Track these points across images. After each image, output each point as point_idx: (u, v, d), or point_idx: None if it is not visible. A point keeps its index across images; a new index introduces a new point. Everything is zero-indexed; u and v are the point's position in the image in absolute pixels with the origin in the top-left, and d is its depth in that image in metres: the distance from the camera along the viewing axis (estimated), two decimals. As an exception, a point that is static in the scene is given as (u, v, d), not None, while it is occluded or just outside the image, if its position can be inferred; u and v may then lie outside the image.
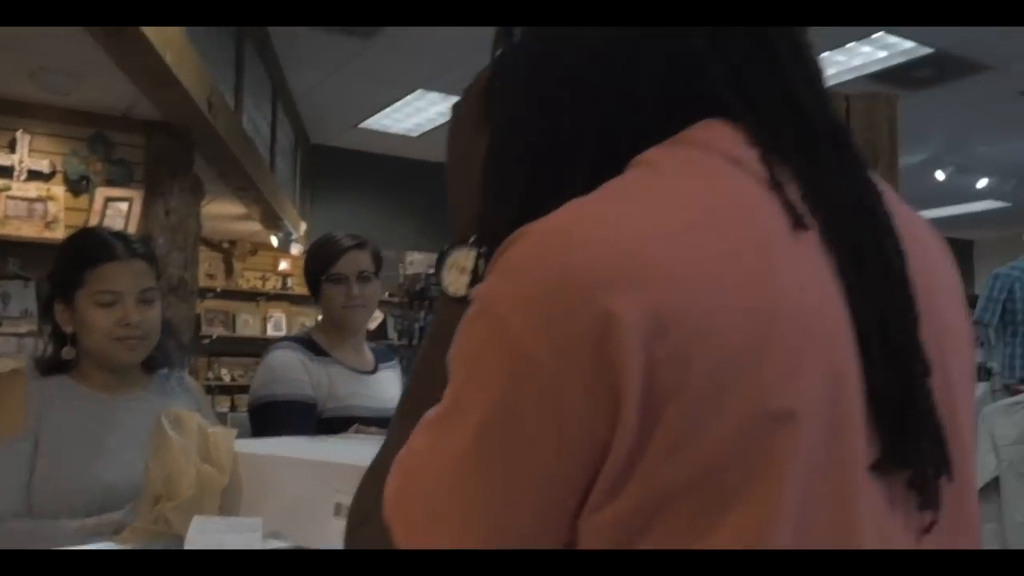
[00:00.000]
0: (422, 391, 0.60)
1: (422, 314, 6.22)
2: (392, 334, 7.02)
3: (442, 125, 6.48)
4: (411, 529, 0.52)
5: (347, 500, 1.06)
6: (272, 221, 5.52)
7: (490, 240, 0.58)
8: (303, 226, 6.42)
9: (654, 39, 0.56)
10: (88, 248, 1.53)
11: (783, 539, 0.47)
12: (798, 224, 0.51)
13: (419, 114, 6.30)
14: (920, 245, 0.58)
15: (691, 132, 0.55)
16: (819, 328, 0.49)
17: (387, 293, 7.20)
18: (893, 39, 4.83)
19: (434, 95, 5.88)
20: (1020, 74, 5.33)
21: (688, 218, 0.50)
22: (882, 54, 5.03)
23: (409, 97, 5.90)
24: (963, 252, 11.04)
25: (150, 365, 1.60)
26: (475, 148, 0.62)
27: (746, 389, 0.47)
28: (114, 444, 1.45)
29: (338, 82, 5.61)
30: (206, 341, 6.72)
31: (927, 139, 6.71)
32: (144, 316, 1.51)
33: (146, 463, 1.23)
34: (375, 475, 0.59)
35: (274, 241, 6.10)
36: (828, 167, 0.55)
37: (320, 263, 2.04)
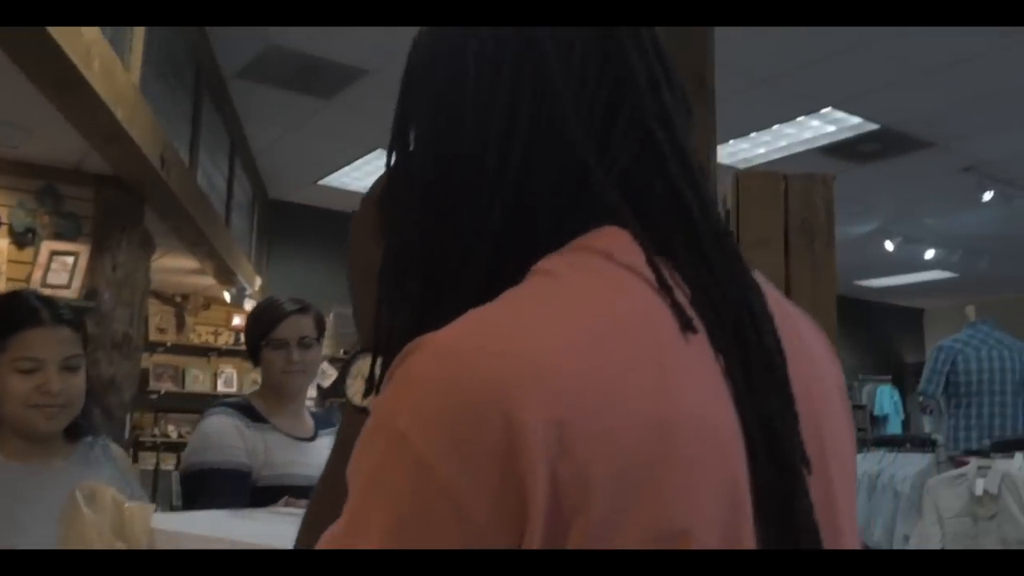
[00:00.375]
0: (325, 504, 0.59)
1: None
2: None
3: (402, 184, 6.51)
4: None
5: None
6: (226, 276, 5.47)
7: (385, 350, 0.57)
8: (258, 281, 6.37)
9: (544, 148, 0.56)
10: (12, 312, 1.49)
11: None
12: (687, 327, 0.51)
13: (379, 172, 6.30)
14: (801, 342, 0.59)
15: (586, 239, 0.55)
16: (713, 437, 0.50)
17: (342, 351, 7.13)
18: (840, 114, 4.98)
19: (394, 155, 5.92)
20: (960, 151, 5.52)
21: (589, 330, 0.50)
22: (830, 128, 5.18)
23: (369, 156, 5.93)
24: (914, 320, 11.26)
25: (73, 433, 1.55)
26: (373, 256, 0.62)
27: (645, 509, 0.47)
28: (26, 518, 1.40)
29: (298, 139, 5.63)
30: (154, 396, 6.58)
31: (876, 210, 6.89)
32: (66, 384, 1.47)
33: (58, 538, 1.19)
34: None
35: (227, 296, 6.04)
36: (713, 269, 0.55)
37: (261, 327, 2.02)
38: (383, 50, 4.24)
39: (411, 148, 0.61)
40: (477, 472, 0.46)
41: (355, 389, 0.65)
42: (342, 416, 0.68)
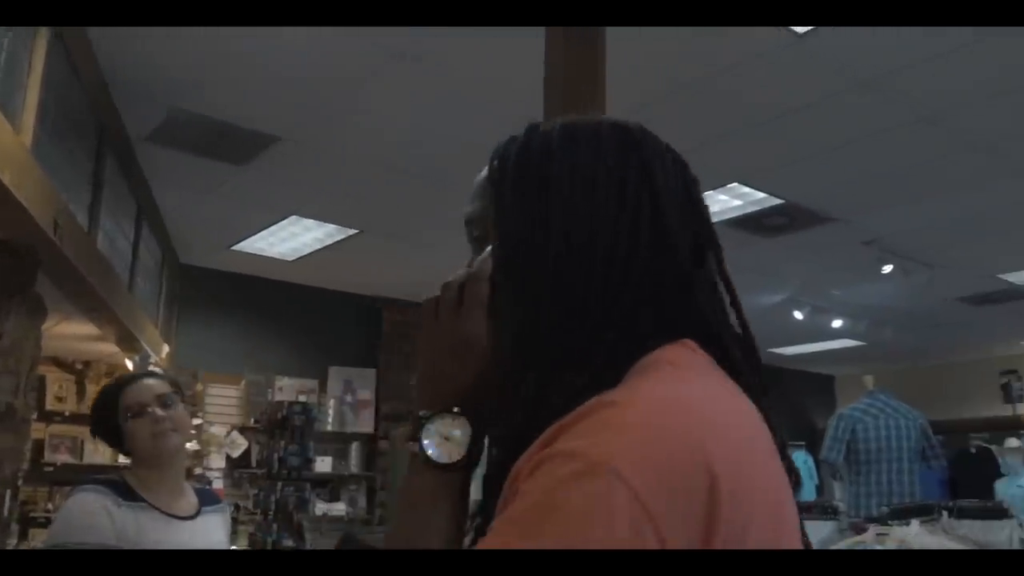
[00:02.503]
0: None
1: (282, 443, 5.99)
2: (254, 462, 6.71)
3: (319, 251, 6.45)
4: None
5: None
6: (129, 342, 5.28)
7: (503, 417, 0.68)
8: (166, 348, 6.17)
9: (652, 270, 0.69)
10: None
11: None
12: (768, 425, 0.69)
13: (294, 239, 6.26)
14: None
15: (682, 344, 0.68)
16: (789, 501, 0.67)
17: (252, 419, 6.93)
18: (746, 189, 5.15)
19: (309, 221, 5.86)
20: (860, 226, 5.75)
21: (727, 408, 0.65)
22: (737, 203, 5.35)
23: (284, 222, 5.87)
24: (825, 386, 11.56)
25: None
26: (472, 331, 0.72)
27: (766, 526, 0.61)
28: None
29: (210, 204, 5.54)
30: (49, 469, 6.24)
31: (785, 281, 7.11)
32: None
33: None
34: None
35: (130, 364, 5.82)
36: (756, 393, 0.71)
37: (110, 400, 1.94)
38: (294, 117, 4.24)
39: (535, 240, 0.69)
40: (682, 511, 0.56)
41: (434, 445, 0.71)
42: (411, 469, 0.72)
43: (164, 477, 1.96)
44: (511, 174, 0.72)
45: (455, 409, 0.72)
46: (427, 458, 0.71)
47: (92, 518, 1.79)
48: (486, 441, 0.73)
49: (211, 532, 1.99)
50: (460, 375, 0.72)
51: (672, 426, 0.59)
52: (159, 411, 1.92)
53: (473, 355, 0.72)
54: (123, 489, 1.89)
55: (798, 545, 0.66)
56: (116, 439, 1.97)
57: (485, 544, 0.60)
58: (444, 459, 0.71)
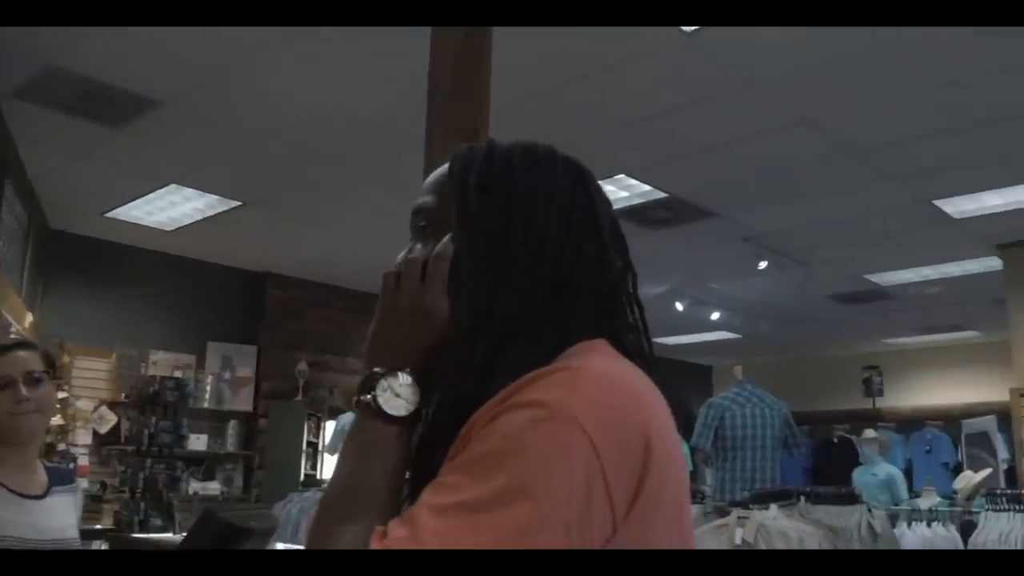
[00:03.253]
0: (356, 502, 0.74)
1: (153, 419, 5.78)
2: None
3: (199, 222, 6.23)
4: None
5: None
6: (-13, 310, 4.98)
7: (455, 382, 0.78)
8: (29, 317, 5.84)
9: (590, 278, 0.83)
10: None
11: None
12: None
13: (174, 208, 6.03)
14: None
15: (602, 340, 0.81)
16: (686, 473, 0.79)
17: (123, 394, 6.66)
18: (632, 181, 5.27)
19: (189, 191, 5.66)
20: (740, 222, 5.98)
21: (648, 389, 0.76)
22: (624, 194, 5.46)
23: (163, 191, 5.65)
24: (703, 376, 11.97)
25: None
26: (432, 302, 0.81)
27: (675, 495, 0.73)
28: None
29: (85, 168, 5.27)
30: None
31: (668, 273, 7.31)
32: None
33: None
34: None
35: (-10, 332, 5.49)
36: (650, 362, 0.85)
37: None
38: (177, 82, 4.07)
39: (497, 236, 0.81)
40: (624, 465, 0.67)
41: (385, 400, 0.78)
42: (362, 426, 0.79)
43: (17, 455, 1.86)
44: (475, 179, 0.84)
45: (407, 370, 0.79)
46: (379, 409, 0.78)
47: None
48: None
49: (60, 512, 1.91)
50: (415, 341, 0.81)
51: (617, 391, 0.71)
52: (23, 389, 1.82)
53: (430, 324, 0.80)
54: (-32, 464, 1.78)
55: (688, 507, 0.78)
56: None
57: (436, 487, 0.68)
58: (394, 412, 0.78)
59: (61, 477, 2.01)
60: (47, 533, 1.81)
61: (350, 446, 0.79)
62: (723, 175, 5.16)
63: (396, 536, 0.66)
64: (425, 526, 0.64)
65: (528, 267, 0.80)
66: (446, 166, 0.88)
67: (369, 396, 0.78)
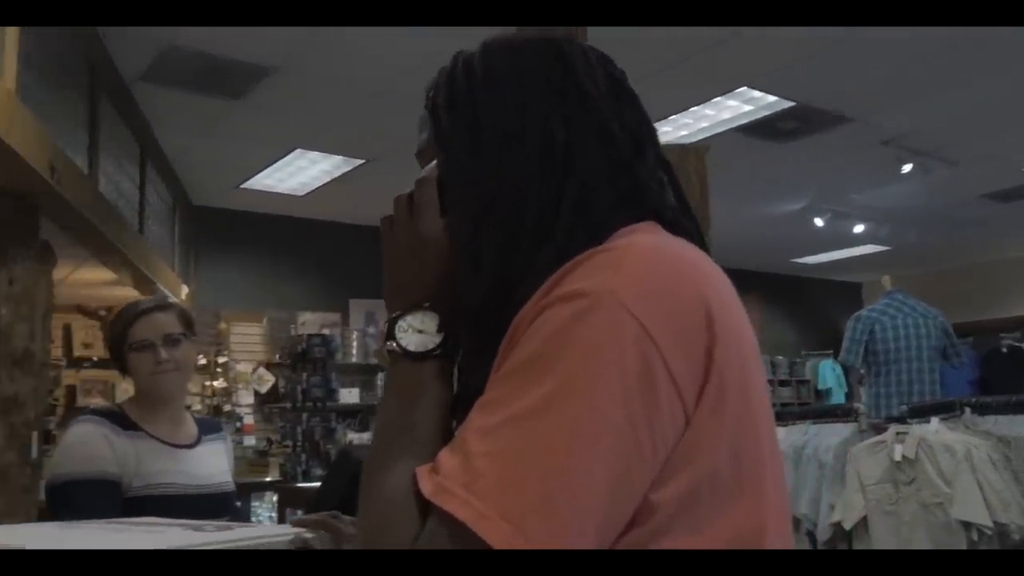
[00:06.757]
0: (399, 445, 0.69)
1: (304, 376, 6.06)
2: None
3: (328, 184, 6.42)
4: (522, 518, 0.56)
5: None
6: (146, 286, 5.32)
7: (469, 299, 0.72)
8: (185, 289, 6.22)
9: (593, 157, 0.73)
10: None
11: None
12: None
13: (302, 173, 6.22)
14: None
15: (646, 222, 0.73)
16: (760, 363, 0.71)
17: (276, 356, 7.02)
18: (756, 93, 5.01)
19: (314, 154, 5.82)
20: (878, 125, 5.59)
21: (707, 263, 0.69)
22: (748, 107, 5.21)
23: (289, 156, 5.83)
24: (852, 294, 11.44)
25: None
26: (427, 229, 0.76)
27: (751, 386, 0.66)
28: None
29: (213, 143, 5.51)
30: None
31: (803, 188, 6.97)
32: None
33: None
34: (390, 513, 0.64)
35: (151, 307, 5.88)
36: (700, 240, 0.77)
37: (119, 330, 1.94)
38: (288, 47, 4.16)
39: (473, 140, 0.75)
40: (686, 347, 0.61)
41: (409, 340, 0.74)
42: (396, 372, 0.74)
43: (164, 410, 1.97)
44: (442, 97, 0.79)
45: (425, 304, 0.75)
46: (404, 350, 0.74)
47: (92, 447, 1.81)
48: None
49: (212, 460, 2.01)
50: (422, 273, 0.76)
51: (668, 265, 0.64)
52: (162, 351, 1.92)
53: (432, 251, 0.75)
54: (122, 419, 1.90)
55: (766, 403, 0.69)
56: (122, 366, 1.98)
57: (482, 406, 0.62)
58: (420, 348, 0.73)
59: (210, 427, 2.11)
60: (198, 479, 1.91)
61: (388, 394, 0.74)
62: (853, 75, 4.82)
63: (447, 467, 0.60)
64: (476, 451, 0.59)
65: (515, 165, 0.73)
66: None
67: (392, 341, 0.74)
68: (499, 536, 0.56)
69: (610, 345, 0.59)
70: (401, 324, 0.74)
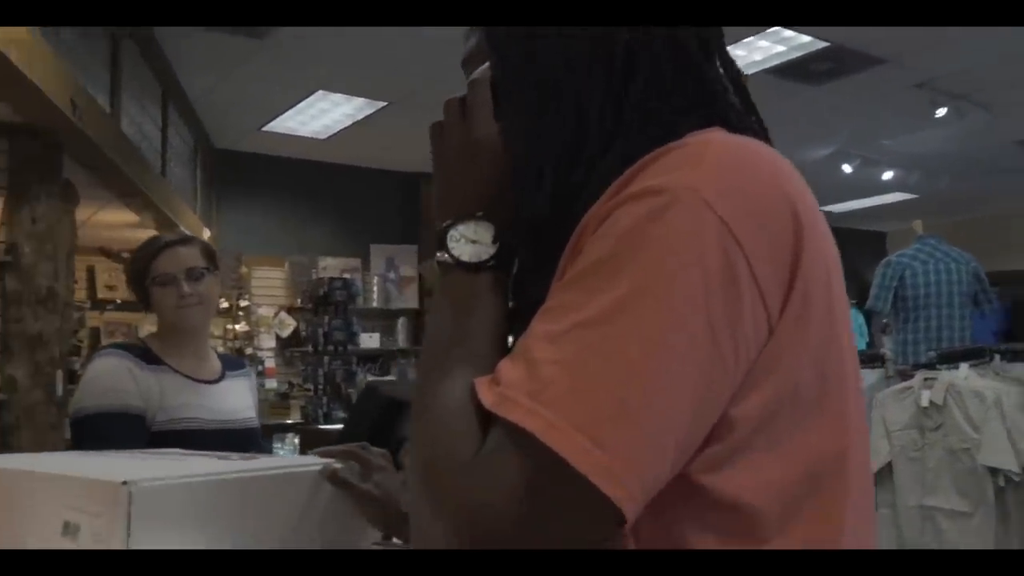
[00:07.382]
0: (453, 358, 0.63)
1: (325, 319, 6.08)
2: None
3: (350, 127, 6.35)
4: (597, 427, 0.52)
5: (75, 517, 0.94)
6: (168, 228, 5.32)
7: (526, 207, 0.67)
8: (207, 233, 6.22)
9: (660, 60, 0.67)
10: None
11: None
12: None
13: (325, 115, 6.16)
14: None
15: (713, 129, 0.66)
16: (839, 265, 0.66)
17: (298, 300, 7.04)
18: (789, 33, 4.87)
19: (337, 96, 5.75)
20: (913, 67, 5.43)
21: (787, 162, 0.63)
22: (780, 48, 5.07)
23: (311, 98, 5.76)
24: (876, 243, 11.28)
25: None
26: (481, 132, 0.70)
27: (835, 299, 0.62)
28: None
29: (235, 84, 5.44)
30: (109, 355, 6.46)
31: (832, 133, 6.83)
32: None
33: None
34: (451, 422, 0.58)
35: (174, 250, 5.89)
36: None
37: (141, 265, 1.92)
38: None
39: (529, 36, 0.69)
40: (772, 248, 0.57)
41: (461, 250, 0.69)
42: (447, 285, 0.69)
43: (187, 344, 1.96)
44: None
45: (479, 213, 0.69)
46: (457, 260, 0.68)
47: (114, 380, 1.80)
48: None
49: (236, 395, 2.00)
50: (476, 178, 0.70)
51: (752, 164, 0.59)
52: (185, 285, 1.90)
53: (485, 156, 0.70)
54: (145, 353, 1.90)
55: (848, 321, 0.66)
56: (145, 301, 1.97)
57: (546, 312, 0.57)
58: (474, 259, 0.68)
59: (234, 364, 2.11)
60: (222, 414, 1.91)
61: (439, 306, 0.69)
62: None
63: (510, 377, 0.55)
64: (542, 358, 0.54)
65: (574, 65, 0.67)
66: None
67: (444, 252, 0.69)
68: (572, 447, 0.51)
69: (690, 245, 0.54)
70: (453, 234, 0.69)
